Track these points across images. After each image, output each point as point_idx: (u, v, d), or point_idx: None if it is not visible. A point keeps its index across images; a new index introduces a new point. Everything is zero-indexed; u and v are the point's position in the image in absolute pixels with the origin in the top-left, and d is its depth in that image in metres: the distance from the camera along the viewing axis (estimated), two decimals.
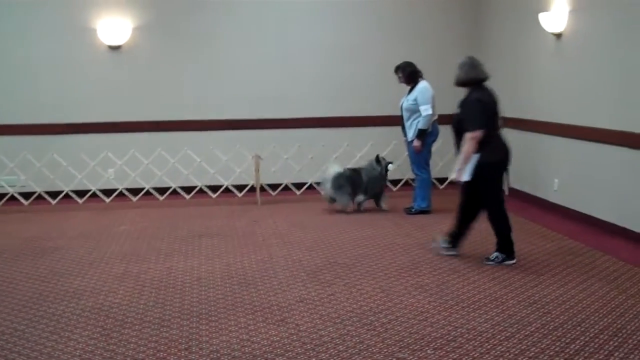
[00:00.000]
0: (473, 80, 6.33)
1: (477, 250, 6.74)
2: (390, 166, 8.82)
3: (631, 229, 7.08)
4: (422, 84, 8.33)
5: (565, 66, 8.23)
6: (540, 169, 8.95)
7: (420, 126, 8.26)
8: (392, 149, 9.49)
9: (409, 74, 8.39)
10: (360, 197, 8.69)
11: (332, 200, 8.74)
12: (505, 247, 6.31)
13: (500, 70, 10.00)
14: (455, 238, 6.57)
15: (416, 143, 8.33)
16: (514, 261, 6.28)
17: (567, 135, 8.20)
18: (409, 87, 8.46)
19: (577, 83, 8.00)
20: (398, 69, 8.49)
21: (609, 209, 7.48)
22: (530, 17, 8.85)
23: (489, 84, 6.47)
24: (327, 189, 8.71)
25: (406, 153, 8.82)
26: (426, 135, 8.32)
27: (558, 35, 8.32)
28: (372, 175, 8.70)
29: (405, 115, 8.40)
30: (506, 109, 9.76)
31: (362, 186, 8.68)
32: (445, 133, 8.97)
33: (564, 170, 8.37)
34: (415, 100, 8.25)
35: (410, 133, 8.38)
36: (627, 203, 7.16)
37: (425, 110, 8.19)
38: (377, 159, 8.76)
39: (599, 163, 7.60)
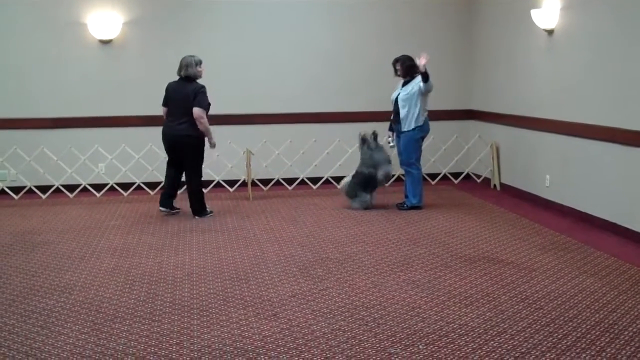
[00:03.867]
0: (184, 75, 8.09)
1: (469, 247, 6.75)
2: (376, 132, 8.74)
3: (622, 225, 7.10)
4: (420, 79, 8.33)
5: (557, 62, 8.24)
6: (532, 165, 8.96)
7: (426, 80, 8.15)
8: (383, 144, 9.46)
9: (407, 68, 8.39)
10: (380, 173, 8.53)
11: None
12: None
13: (493, 66, 10.05)
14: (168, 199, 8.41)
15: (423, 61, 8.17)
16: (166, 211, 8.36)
17: (558, 131, 8.22)
18: (402, 81, 8.47)
19: (568, 79, 8.01)
20: (397, 61, 8.48)
21: (600, 205, 7.50)
22: (522, 13, 8.86)
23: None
24: (351, 202, 8.70)
25: (391, 145, 8.78)
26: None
27: (550, 32, 8.32)
28: (369, 158, 8.57)
29: (402, 105, 8.34)
30: (498, 105, 9.85)
31: (373, 174, 8.52)
32: (436, 129, 9.02)
33: (556, 166, 8.38)
34: (413, 91, 8.25)
35: (406, 125, 8.34)
36: (618, 199, 7.18)
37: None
38: (363, 140, 8.66)
39: (591, 159, 7.62)
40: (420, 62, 8.08)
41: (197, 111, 7.89)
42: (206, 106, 8.00)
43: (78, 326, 4.78)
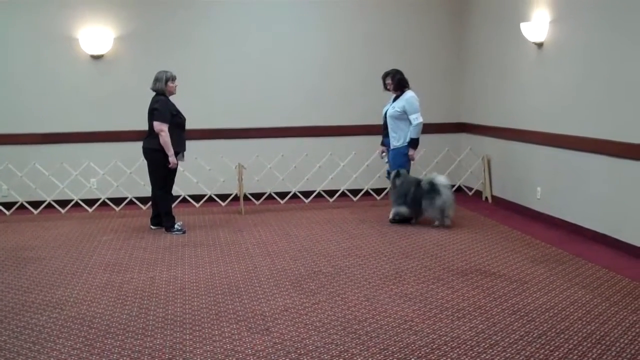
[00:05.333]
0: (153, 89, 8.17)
1: (461, 260, 6.76)
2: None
3: (613, 237, 7.13)
4: (410, 93, 8.36)
5: (547, 75, 8.30)
6: (523, 177, 9.00)
7: (412, 135, 8.30)
8: (375, 158, 9.51)
9: (398, 81, 8.40)
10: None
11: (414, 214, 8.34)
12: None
13: (483, 79, 10.10)
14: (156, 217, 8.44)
15: (411, 152, 8.38)
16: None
17: (549, 143, 8.26)
18: (393, 95, 8.49)
19: (558, 92, 8.06)
20: (387, 75, 8.48)
21: (591, 216, 7.53)
22: (512, 27, 8.92)
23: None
24: (446, 196, 8.19)
25: (386, 161, 8.83)
26: (418, 143, 8.38)
27: (539, 45, 8.38)
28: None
29: (390, 122, 8.38)
30: (489, 118, 9.90)
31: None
32: (427, 142, 9.06)
33: (547, 178, 8.42)
34: (402, 108, 8.27)
35: (395, 141, 8.37)
36: (609, 211, 7.21)
37: (416, 119, 8.25)
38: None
39: (581, 171, 7.65)
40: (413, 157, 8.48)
41: (156, 125, 7.94)
42: (165, 118, 7.93)
43: (70, 342, 4.76)
